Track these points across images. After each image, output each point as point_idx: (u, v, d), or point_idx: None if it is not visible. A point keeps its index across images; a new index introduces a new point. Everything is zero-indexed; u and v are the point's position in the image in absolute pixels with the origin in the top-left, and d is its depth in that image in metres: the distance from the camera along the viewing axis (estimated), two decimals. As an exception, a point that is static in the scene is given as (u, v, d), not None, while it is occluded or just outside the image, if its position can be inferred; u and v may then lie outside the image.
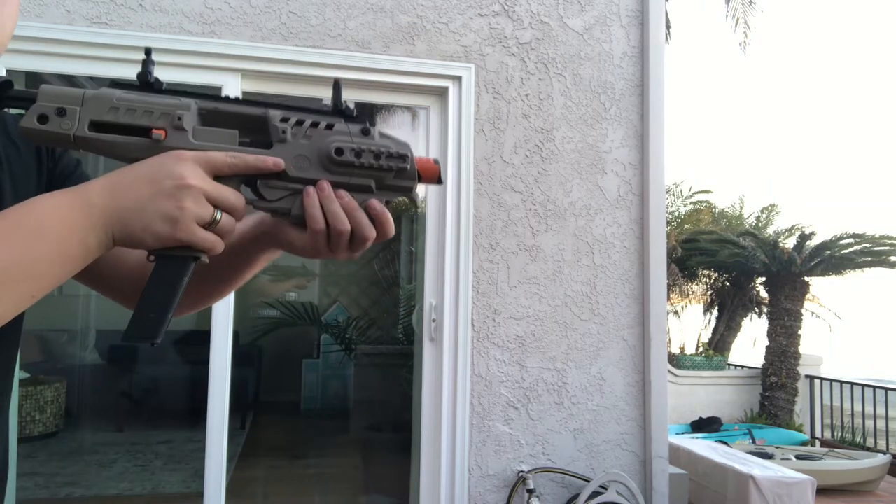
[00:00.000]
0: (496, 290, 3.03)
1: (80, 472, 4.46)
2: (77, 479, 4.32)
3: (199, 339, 3.23)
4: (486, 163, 3.06)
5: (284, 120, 0.67)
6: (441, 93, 3.08)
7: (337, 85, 0.69)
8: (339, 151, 0.66)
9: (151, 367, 6.01)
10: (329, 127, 0.67)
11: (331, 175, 0.67)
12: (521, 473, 2.97)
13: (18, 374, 3.05)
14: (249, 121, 0.68)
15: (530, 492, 2.91)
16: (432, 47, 3.03)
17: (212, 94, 0.68)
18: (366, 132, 0.67)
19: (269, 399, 6.73)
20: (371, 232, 0.67)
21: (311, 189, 0.66)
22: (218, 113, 0.67)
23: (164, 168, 0.61)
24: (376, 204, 0.67)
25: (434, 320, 3.03)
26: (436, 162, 0.71)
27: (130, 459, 4.75)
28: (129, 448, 5.04)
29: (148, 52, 0.68)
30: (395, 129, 7.74)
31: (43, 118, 0.63)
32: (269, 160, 0.65)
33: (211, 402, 2.76)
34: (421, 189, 3.29)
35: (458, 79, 3.05)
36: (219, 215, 0.62)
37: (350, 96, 4.02)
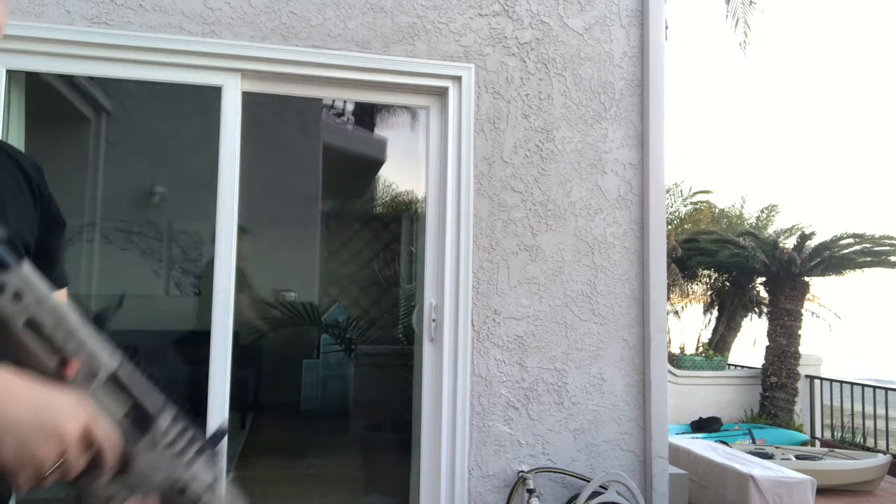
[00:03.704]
0: (496, 290, 3.03)
1: (80, 472, 4.45)
2: (77, 479, 4.31)
3: (199, 339, 3.23)
4: (486, 163, 3.06)
5: (167, 431, 0.71)
6: (441, 93, 3.08)
7: (223, 433, 0.76)
8: (182, 491, 0.70)
9: (151, 367, 5.99)
10: (193, 458, 0.71)
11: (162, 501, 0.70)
12: (521, 473, 2.97)
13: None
14: (139, 408, 0.71)
15: (530, 492, 2.90)
16: (432, 47, 3.03)
17: (130, 368, 0.72)
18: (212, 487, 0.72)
19: (269, 399, 6.72)
20: None
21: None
22: (123, 389, 0.70)
23: (57, 409, 0.62)
24: None
25: (434, 320, 3.03)
26: None
27: (130, 459, 4.74)
28: (129, 448, 5.02)
29: (121, 299, 0.73)
30: (395, 129, 7.74)
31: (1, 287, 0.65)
32: (107, 469, 0.67)
33: (211, 402, 2.76)
34: (420, 189, 3.28)
35: (458, 79, 3.05)
36: (52, 471, 0.63)
37: (350, 96, 4.02)
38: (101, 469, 0.67)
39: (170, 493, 0.70)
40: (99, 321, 0.71)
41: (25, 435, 0.60)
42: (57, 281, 0.96)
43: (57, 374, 0.66)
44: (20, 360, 0.66)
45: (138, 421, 0.70)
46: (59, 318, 0.67)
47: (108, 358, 0.69)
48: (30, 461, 0.60)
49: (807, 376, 8.04)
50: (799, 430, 7.49)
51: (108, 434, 0.65)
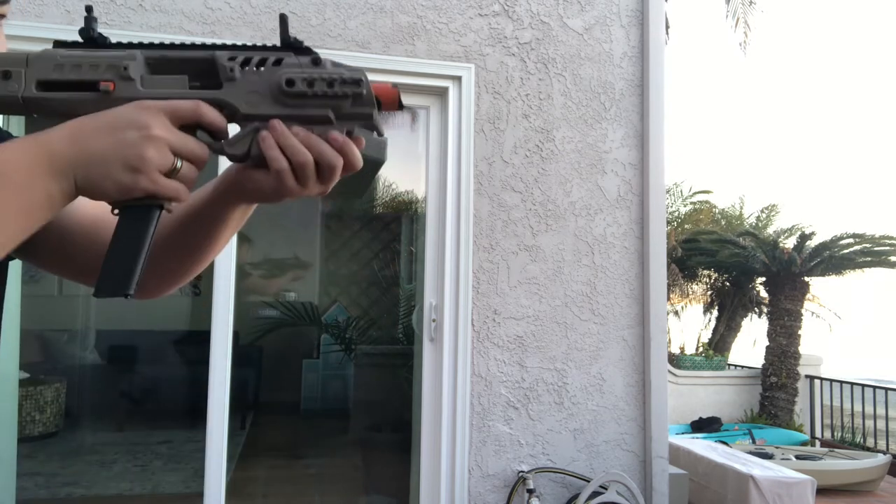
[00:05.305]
0: (496, 290, 3.03)
1: (80, 472, 4.46)
2: (77, 479, 4.32)
3: (199, 339, 3.23)
4: (486, 163, 3.06)
5: (232, 59, 0.66)
6: (441, 93, 3.08)
7: (283, 19, 0.67)
8: (290, 82, 0.64)
9: (151, 367, 6.01)
10: (278, 62, 0.66)
11: (285, 108, 0.65)
12: (521, 473, 2.97)
13: (18, 375, 3.05)
14: (198, 65, 0.66)
15: (530, 492, 2.91)
16: (432, 47, 3.03)
17: (158, 43, 0.68)
18: (316, 62, 0.65)
19: (269, 399, 6.72)
20: (337, 159, 0.66)
21: (265, 133, 0.64)
22: (166, 60, 0.66)
23: (127, 117, 0.60)
24: (337, 135, 0.66)
25: (434, 320, 3.03)
26: (394, 86, 0.69)
27: (130, 459, 4.75)
28: (129, 448, 5.04)
29: (89, 9, 0.67)
30: (395, 129, 7.74)
31: None
32: (223, 124, 0.65)
33: (211, 402, 2.76)
34: (420, 189, 3.29)
35: (458, 79, 3.05)
36: (179, 164, 0.62)
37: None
38: (219, 131, 0.65)
39: (283, 96, 0.64)
40: (85, 32, 0.66)
41: (114, 153, 0.59)
42: None
43: (100, 100, 0.63)
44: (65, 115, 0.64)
45: (203, 73, 0.66)
46: (55, 62, 0.64)
47: (127, 54, 0.65)
48: (136, 165, 0.59)
49: (807, 376, 8.05)
50: (799, 430, 7.50)
51: (185, 105, 0.62)
